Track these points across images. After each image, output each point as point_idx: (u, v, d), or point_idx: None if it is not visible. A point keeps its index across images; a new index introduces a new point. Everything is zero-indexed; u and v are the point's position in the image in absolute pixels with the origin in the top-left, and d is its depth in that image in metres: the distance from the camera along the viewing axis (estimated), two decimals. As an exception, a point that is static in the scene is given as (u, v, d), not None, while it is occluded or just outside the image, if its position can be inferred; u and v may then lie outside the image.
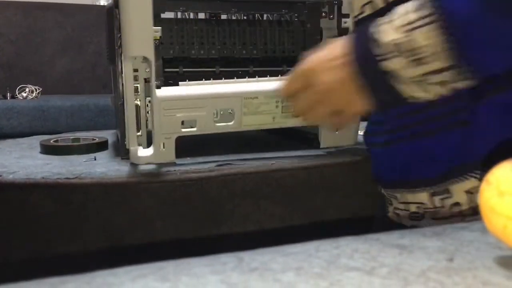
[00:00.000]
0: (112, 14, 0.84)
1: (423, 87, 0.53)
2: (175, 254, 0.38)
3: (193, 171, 0.81)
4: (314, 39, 0.93)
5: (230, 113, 0.82)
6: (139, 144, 0.79)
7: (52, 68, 2.57)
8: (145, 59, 0.75)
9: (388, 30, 0.51)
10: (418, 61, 0.50)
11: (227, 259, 0.36)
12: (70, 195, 0.76)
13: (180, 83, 0.80)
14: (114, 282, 0.31)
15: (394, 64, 0.51)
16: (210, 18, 0.92)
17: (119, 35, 0.83)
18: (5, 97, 2.19)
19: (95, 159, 0.89)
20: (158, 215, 0.79)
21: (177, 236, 0.80)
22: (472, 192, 0.59)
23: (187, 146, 0.82)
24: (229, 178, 0.81)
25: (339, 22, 0.94)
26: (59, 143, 0.99)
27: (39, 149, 0.97)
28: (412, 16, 0.50)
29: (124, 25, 0.73)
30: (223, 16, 0.93)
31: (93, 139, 1.01)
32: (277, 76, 0.93)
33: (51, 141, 1.00)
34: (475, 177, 0.58)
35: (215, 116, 0.82)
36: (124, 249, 0.79)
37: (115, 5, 0.83)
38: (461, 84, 0.52)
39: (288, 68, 0.94)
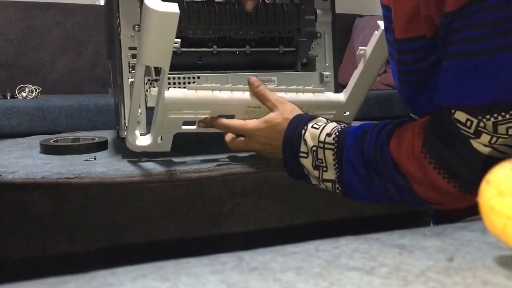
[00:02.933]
0: (111, 7, 0.84)
1: (322, 185, 0.73)
2: (175, 254, 0.38)
3: (193, 171, 0.81)
4: (308, 20, 0.95)
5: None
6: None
7: (52, 68, 2.57)
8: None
9: (314, 137, 0.72)
10: (318, 167, 0.72)
11: (227, 259, 0.35)
12: (70, 195, 0.76)
13: (187, 86, 0.80)
14: (114, 282, 0.31)
15: (306, 162, 0.73)
16: None
17: (119, 31, 0.83)
18: (4, 97, 2.19)
19: (95, 158, 0.89)
20: (158, 215, 0.79)
21: (177, 236, 0.80)
22: None
23: (187, 145, 0.82)
24: (229, 177, 0.81)
25: (332, 4, 0.97)
26: (59, 143, 0.99)
27: (39, 149, 0.97)
28: (327, 138, 0.71)
29: (145, 37, 0.69)
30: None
31: (93, 139, 1.01)
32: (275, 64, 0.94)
33: (51, 141, 1.00)
34: None
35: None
36: (124, 249, 0.79)
37: None
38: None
39: (285, 49, 0.95)
